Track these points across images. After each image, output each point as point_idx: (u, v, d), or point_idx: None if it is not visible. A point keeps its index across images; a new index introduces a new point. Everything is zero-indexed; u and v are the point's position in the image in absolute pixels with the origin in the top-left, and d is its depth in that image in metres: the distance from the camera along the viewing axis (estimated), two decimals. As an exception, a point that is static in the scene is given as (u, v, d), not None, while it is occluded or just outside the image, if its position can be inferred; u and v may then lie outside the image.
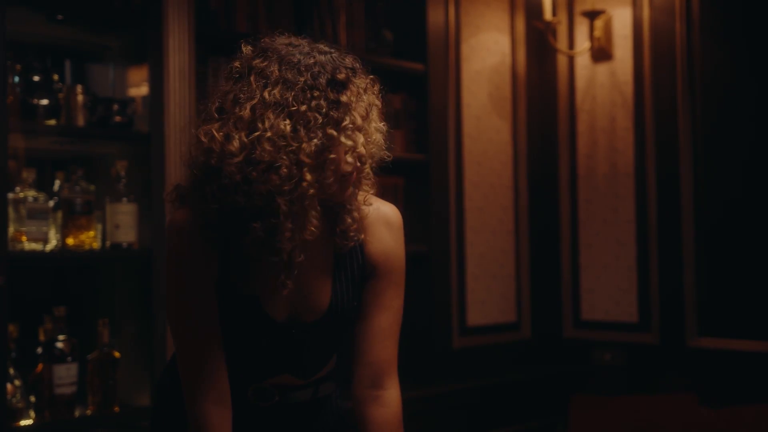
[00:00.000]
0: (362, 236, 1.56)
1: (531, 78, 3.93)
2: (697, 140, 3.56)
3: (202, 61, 2.81)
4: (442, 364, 3.50)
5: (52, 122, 2.57)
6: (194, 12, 2.67)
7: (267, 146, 1.39)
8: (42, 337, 2.59)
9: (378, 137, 1.53)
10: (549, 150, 3.96)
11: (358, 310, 1.59)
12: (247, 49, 1.49)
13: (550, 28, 3.74)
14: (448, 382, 3.44)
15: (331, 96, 1.43)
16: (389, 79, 3.75)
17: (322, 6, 3.16)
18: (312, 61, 1.45)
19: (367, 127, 1.49)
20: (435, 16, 3.50)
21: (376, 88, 1.52)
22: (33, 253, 2.50)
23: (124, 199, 2.63)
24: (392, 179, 3.42)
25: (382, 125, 1.53)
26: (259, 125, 1.40)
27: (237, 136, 1.40)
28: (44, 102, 2.55)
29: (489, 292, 3.74)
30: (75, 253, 2.56)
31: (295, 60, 1.44)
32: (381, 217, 1.59)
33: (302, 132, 1.40)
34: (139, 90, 2.78)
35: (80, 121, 2.61)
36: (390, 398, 1.62)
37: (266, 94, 1.41)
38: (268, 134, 1.39)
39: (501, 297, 3.79)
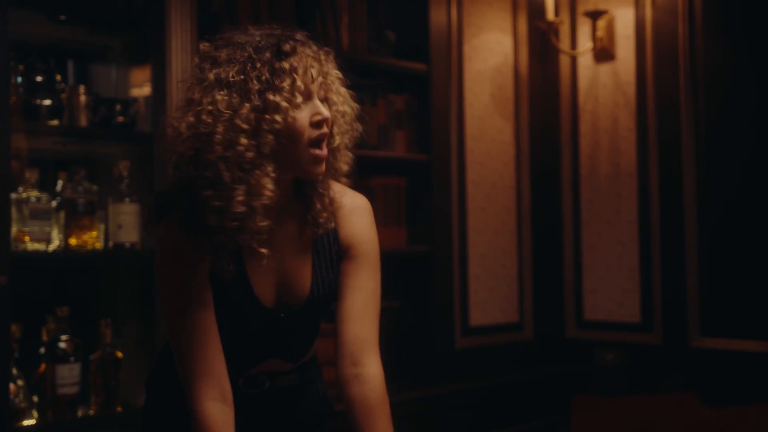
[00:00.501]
0: (332, 224, 1.62)
1: (533, 78, 3.93)
2: (700, 140, 3.55)
3: (205, 62, 2.80)
4: (445, 365, 3.50)
5: (55, 122, 2.58)
6: (196, 13, 2.68)
7: (206, 118, 1.48)
8: (45, 338, 2.60)
9: (346, 109, 1.61)
10: (551, 150, 3.96)
11: (336, 292, 1.65)
12: (205, 46, 1.58)
13: (553, 29, 3.74)
14: (450, 383, 3.44)
15: (275, 65, 1.50)
16: (392, 79, 3.76)
17: (325, 7, 3.16)
18: (258, 38, 1.54)
19: (331, 97, 1.58)
20: (437, 17, 3.50)
21: (331, 57, 1.59)
22: (36, 253, 2.50)
23: (127, 199, 2.63)
24: (394, 179, 3.42)
25: (351, 102, 1.62)
26: (203, 101, 1.49)
27: (186, 117, 1.50)
28: (47, 102, 2.55)
29: (491, 292, 3.74)
30: (78, 254, 2.57)
31: (243, 41, 1.54)
32: (353, 205, 1.66)
33: (236, 99, 1.48)
34: (142, 90, 2.79)
35: (83, 121, 2.61)
36: (370, 375, 1.62)
37: (211, 75, 1.51)
38: (208, 107, 1.48)
39: (503, 297, 3.79)
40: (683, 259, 3.54)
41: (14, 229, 2.45)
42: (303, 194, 1.61)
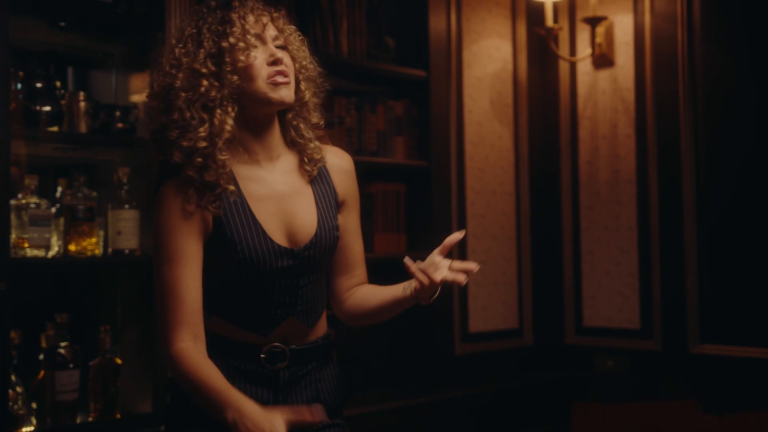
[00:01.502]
0: (324, 162, 1.81)
1: (532, 84, 3.94)
2: (699, 147, 3.56)
3: (205, 68, 2.81)
4: (444, 371, 3.50)
5: (55, 129, 2.58)
6: (196, 19, 2.68)
7: (170, 70, 1.69)
8: (44, 344, 2.59)
9: (308, 65, 1.79)
10: (551, 156, 3.96)
11: (338, 239, 1.80)
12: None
13: (552, 35, 3.74)
14: (450, 389, 3.44)
15: (225, 16, 1.70)
16: (391, 85, 3.76)
17: (324, 13, 3.17)
18: (214, 3, 1.75)
19: (291, 50, 1.75)
20: (436, 23, 3.51)
21: (284, 15, 1.78)
22: (35, 260, 2.50)
23: (126, 205, 2.63)
24: (394, 185, 3.42)
25: (313, 62, 1.81)
26: (166, 60, 1.71)
27: (155, 79, 1.72)
28: (47, 109, 2.55)
29: (491, 298, 3.74)
30: (77, 260, 2.57)
31: (199, 8, 1.75)
32: (342, 167, 1.86)
33: (192, 48, 1.69)
34: (142, 97, 2.78)
35: (82, 127, 2.61)
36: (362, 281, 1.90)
37: (173, 39, 1.73)
38: (172, 62, 1.69)
39: (503, 303, 3.79)
40: (683, 266, 3.54)
41: (13, 236, 2.45)
42: (294, 144, 1.79)
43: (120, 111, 2.70)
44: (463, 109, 3.66)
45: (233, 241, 1.68)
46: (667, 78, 3.60)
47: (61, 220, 2.58)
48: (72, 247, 2.56)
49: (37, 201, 2.51)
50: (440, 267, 1.71)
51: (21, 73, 2.54)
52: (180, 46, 1.70)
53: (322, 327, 1.84)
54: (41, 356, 2.58)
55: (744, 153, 3.48)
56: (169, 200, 1.68)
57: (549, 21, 3.70)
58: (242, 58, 1.67)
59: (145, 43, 2.66)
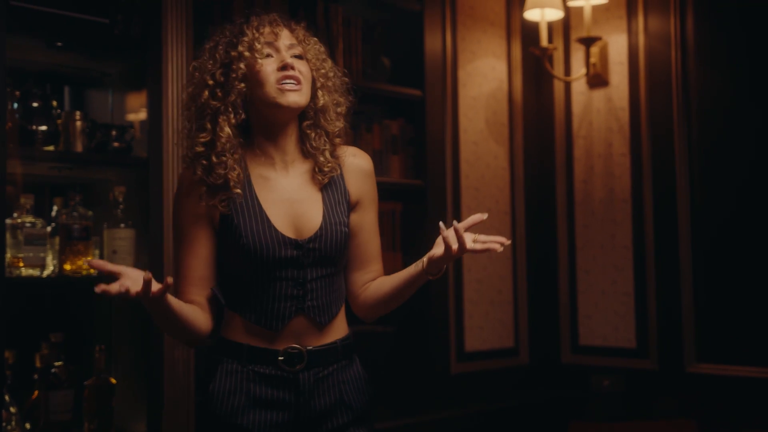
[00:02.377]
0: (338, 172, 1.86)
1: (528, 104, 3.95)
2: (694, 166, 3.57)
3: (201, 88, 2.82)
4: (440, 390, 3.48)
5: (51, 148, 2.58)
6: (193, 39, 2.69)
7: (188, 85, 1.83)
8: (38, 364, 2.58)
9: (330, 74, 1.86)
10: (546, 175, 3.97)
11: (347, 236, 1.85)
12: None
13: (547, 55, 3.77)
14: (445, 408, 3.42)
15: (242, 29, 1.80)
16: (387, 105, 3.78)
17: (320, 33, 3.19)
18: (240, 19, 1.86)
19: (309, 58, 1.83)
20: (432, 43, 3.53)
21: (303, 26, 1.87)
22: (30, 279, 2.49)
23: (122, 224, 2.63)
24: (390, 204, 3.42)
25: (340, 74, 1.89)
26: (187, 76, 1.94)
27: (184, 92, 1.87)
28: (43, 128, 2.56)
29: (486, 317, 3.73)
30: (72, 279, 2.56)
31: (227, 26, 1.86)
32: (359, 167, 1.90)
33: (206, 61, 1.81)
34: (138, 116, 2.79)
35: (79, 146, 2.61)
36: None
37: (199, 54, 1.85)
38: (188, 76, 1.84)
39: (499, 322, 3.78)
40: (678, 284, 3.55)
41: (9, 255, 2.44)
42: (308, 152, 1.86)
43: (116, 130, 2.70)
44: (458, 128, 3.67)
45: (239, 229, 1.77)
46: (662, 97, 3.62)
47: (57, 240, 2.57)
48: (67, 267, 2.55)
49: (33, 220, 2.51)
50: (466, 236, 1.76)
51: (17, 93, 2.55)
52: (197, 60, 1.83)
53: (340, 329, 1.87)
54: (35, 376, 2.57)
55: (739, 172, 3.50)
56: (185, 188, 1.81)
57: (544, 41, 3.72)
58: (250, 65, 1.77)
59: (142, 62, 2.69)
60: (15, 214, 2.50)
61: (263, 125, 1.82)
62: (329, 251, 1.81)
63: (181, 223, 1.82)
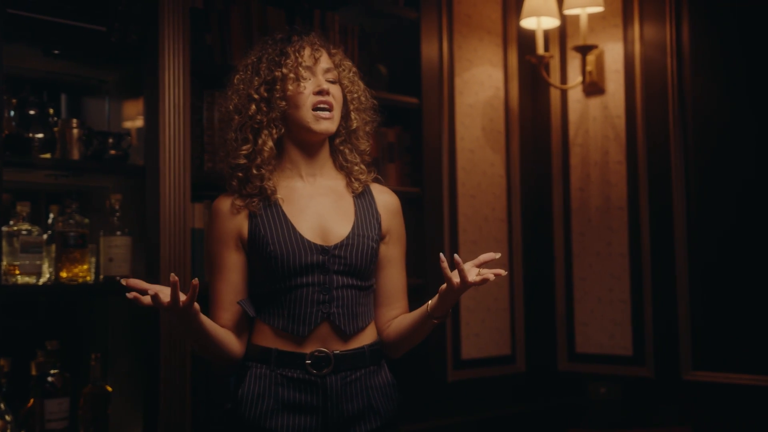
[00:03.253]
0: (370, 177, 1.99)
1: (524, 111, 3.96)
2: (690, 173, 3.58)
3: (198, 95, 2.82)
4: (437, 398, 3.48)
5: (47, 156, 2.58)
6: (189, 46, 2.70)
7: (231, 94, 1.94)
8: (34, 371, 2.57)
9: (361, 98, 1.98)
10: (542, 183, 3.98)
11: (375, 251, 1.92)
12: None
13: (543, 63, 3.78)
14: (442, 416, 3.42)
15: (284, 49, 1.92)
16: (383, 112, 3.78)
17: (317, 41, 3.19)
18: (279, 34, 1.97)
19: (344, 83, 1.95)
20: (429, 51, 3.53)
21: (341, 52, 1.99)
22: (26, 287, 2.49)
23: (118, 232, 2.63)
24: (386, 212, 3.42)
25: (369, 96, 2.00)
26: (228, 88, 1.96)
27: (224, 104, 1.98)
28: (39, 136, 2.56)
29: (483, 325, 3.73)
30: (68, 287, 2.56)
31: (268, 38, 1.99)
32: (392, 206, 2.02)
33: (250, 76, 1.92)
34: (135, 123, 2.80)
35: (75, 154, 2.61)
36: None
37: (240, 65, 1.97)
38: (232, 88, 1.95)
39: (495, 330, 3.78)
40: (674, 292, 3.55)
41: (5, 263, 2.44)
42: (341, 167, 1.99)
43: (113, 138, 2.70)
44: (455, 136, 3.68)
45: (266, 238, 1.86)
46: (658, 105, 3.63)
47: (53, 247, 2.57)
48: (63, 274, 2.55)
49: (29, 228, 2.51)
50: (470, 271, 1.80)
51: (14, 100, 2.55)
52: (241, 73, 1.94)
53: (368, 335, 1.93)
54: (31, 384, 2.56)
55: (735, 179, 3.51)
56: (214, 216, 1.93)
57: (540, 49, 3.73)
58: (291, 87, 1.89)
59: (138, 70, 2.69)
60: (11, 222, 2.50)
61: (297, 141, 1.94)
62: (355, 260, 1.88)
63: (214, 250, 1.92)
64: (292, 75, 1.89)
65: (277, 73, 1.89)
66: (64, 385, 2.53)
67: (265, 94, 1.89)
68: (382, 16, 3.46)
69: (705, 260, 3.54)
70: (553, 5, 3.67)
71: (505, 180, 3.87)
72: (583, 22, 3.68)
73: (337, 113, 1.92)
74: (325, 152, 1.97)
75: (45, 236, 2.57)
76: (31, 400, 2.53)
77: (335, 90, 1.93)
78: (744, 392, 3.34)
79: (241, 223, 1.89)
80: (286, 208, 1.89)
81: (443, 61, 3.61)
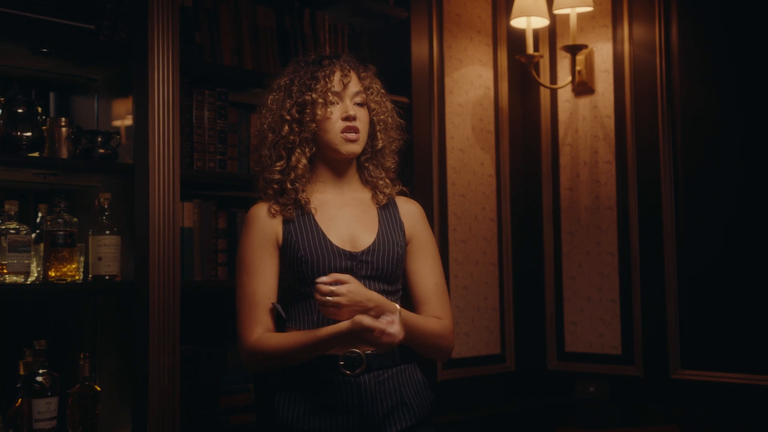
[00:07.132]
0: (395, 190, 2.11)
1: (514, 111, 3.97)
2: (679, 173, 3.60)
3: (187, 94, 2.82)
4: (426, 397, 3.48)
5: (36, 154, 2.56)
6: (179, 45, 2.69)
7: (265, 113, 2.06)
8: (22, 371, 2.56)
9: (388, 119, 2.10)
10: (532, 182, 3.99)
11: (401, 257, 2.03)
12: None
13: (533, 63, 3.78)
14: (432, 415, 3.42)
15: (314, 73, 2.02)
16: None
17: (307, 40, 3.19)
18: (313, 56, 2.10)
19: (372, 105, 2.07)
20: (419, 51, 3.53)
21: (371, 75, 2.11)
22: (14, 286, 2.48)
23: (107, 231, 2.62)
24: (376, 211, 3.43)
25: (395, 116, 2.13)
26: (263, 106, 2.08)
27: (258, 121, 2.10)
28: (27, 134, 2.54)
29: (473, 324, 3.74)
30: (57, 286, 2.54)
31: (301, 59, 2.11)
32: (413, 213, 2.13)
33: (282, 98, 2.03)
34: (124, 122, 2.79)
35: (64, 153, 2.60)
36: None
37: (274, 85, 2.09)
38: (266, 106, 2.06)
39: (485, 329, 3.79)
40: (663, 291, 3.56)
41: (-7, 262, 2.43)
42: (367, 182, 2.11)
43: (102, 136, 2.69)
44: (445, 135, 3.68)
45: (297, 244, 1.97)
46: (647, 105, 3.65)
47: (41, 246, 2.56)
48: (52, 273, 2.54)
49: (17, 226, 2.50)
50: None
51: (2, 99, 2.53)
52: (274, 93, 2.06)
53: None
54: (19, 383, 2.55)
55: (724, 180, 3.52)
56: (251, 221, 2.02)
57: (530, 49, 3.74)
58: (320, 111, 2.00)
59: (128, 69, 2.68)
60: (-1, 221, 2.49)
61: (327, 159, 2.06)
62: (383, 265, 1.98)
63: (252, 253, 1.99)
64: (321, 100, 1.99)
65: (307, 97, 2.00)
66: (52, 384, 2.51)
67: (297, 116, 2.00)
68: (372, 15, 3.45)
69: (694, 260, 3.56)
70: (543, 5, 3.67)
71: (494, 179, 3.88)
72: (573, 21, 3.69)
73: (363, 135, 2.04)
74: (352, 168, 2.09)
75: (33, 235, 2.56)
76: (19, 400, 2.52)
77: (362, 114, 2.04)
78: (732, 391, 3.36)
79: (277, 227, 2.00)
80: (318, 217, 2.01)
81: (433, 61, 3.62)
